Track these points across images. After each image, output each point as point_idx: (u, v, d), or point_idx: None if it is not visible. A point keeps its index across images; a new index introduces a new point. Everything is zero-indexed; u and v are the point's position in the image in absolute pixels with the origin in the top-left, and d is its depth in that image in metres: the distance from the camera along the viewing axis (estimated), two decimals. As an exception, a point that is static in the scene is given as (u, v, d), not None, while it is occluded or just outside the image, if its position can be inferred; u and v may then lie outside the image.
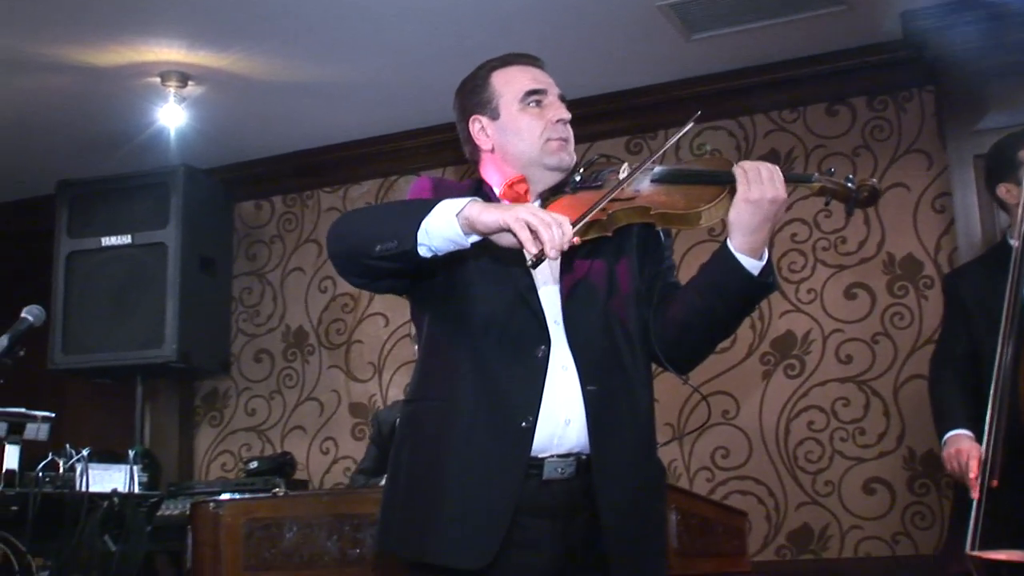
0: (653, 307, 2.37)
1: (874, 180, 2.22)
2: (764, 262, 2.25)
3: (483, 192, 2.42)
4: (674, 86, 5.11)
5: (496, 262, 2.27)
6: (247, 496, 3.72)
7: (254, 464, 4.89)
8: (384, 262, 2.18)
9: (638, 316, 2.35)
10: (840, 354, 4.82)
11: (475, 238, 2.11)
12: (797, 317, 4.92)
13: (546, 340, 2.23)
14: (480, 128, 2.43)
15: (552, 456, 2.22)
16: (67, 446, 4.17)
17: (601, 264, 2.33)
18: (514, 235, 2.04)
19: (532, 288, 2.28)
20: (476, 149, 2.46)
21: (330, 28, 4.50)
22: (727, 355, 4.99)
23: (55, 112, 5.18)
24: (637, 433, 2.32)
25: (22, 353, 3.47)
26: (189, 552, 3.38)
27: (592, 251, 2.30)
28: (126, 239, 5.37)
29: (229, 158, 5.81)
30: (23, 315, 3.55)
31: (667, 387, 5.01)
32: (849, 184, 2.21)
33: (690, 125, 2.36)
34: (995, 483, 3.08)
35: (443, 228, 2.10)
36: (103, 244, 5.40)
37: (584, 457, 2.24)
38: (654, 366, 2.42)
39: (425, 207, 2.13)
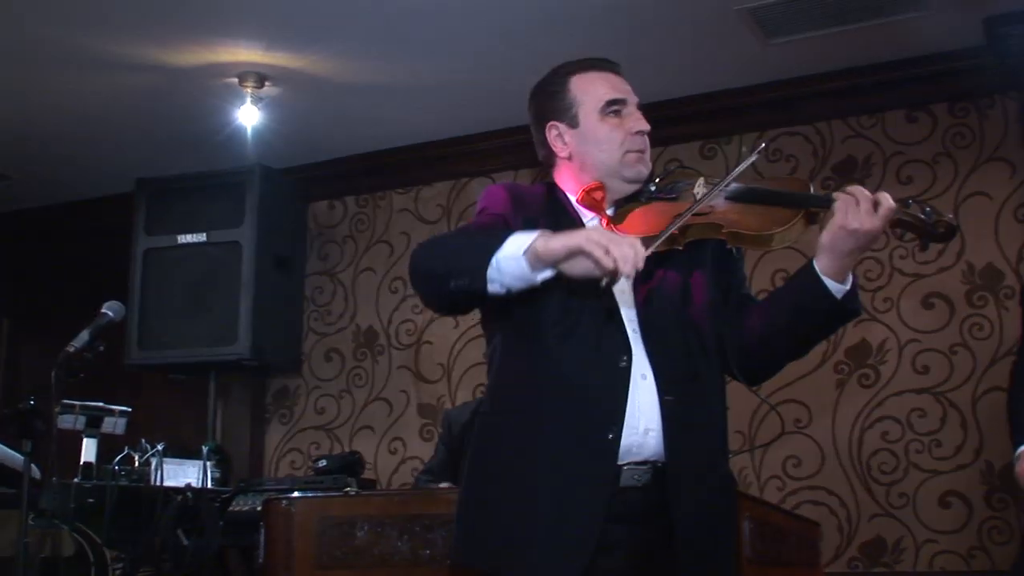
0: (729, 318, 2.35)
1: (951, 216, 2.18)
2: (848, 287, 2.24)
3: (556, 197, 2.41)
4: (750, 91, 5.07)
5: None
6: (320, 494, 3.74)
7: (323, 462, 4.91)
8: (461, 297, 2.16)
9: (712, 326, 2.33)
10: (916, 364, 4.74)
11: (546, 274, 2.09)
12: (872, 326, 4.84)
13: (627, 349, 2.22)
14: (557, 135, 2.42)
15: (629, 464, 2.21)
16: (143, 440, 4.25)
17: (675, 275, 2.32)
18: (587, 255, 2.01)
19: (611, 296, 2.25)
20: (552, 155, 2.44)
21: (404, 29, 4.53)
22: (800, 364, 4.85)
23: (134, 111, 5.26)
24: (711, 443, 2.31)
25: (102, 348, 3.53)
26: (261, 548, 3.41)
27: (664, 262, 2.29)
28: (202, 237, 5.44)
29: (303, 158, 5.86)
30: (103, 310, 3.62)
31: (739, 395, 4.95)
32: (924, 218, 2.17)
33: (754, 157, 2.34)
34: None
35: (512, 267, 2.08)
36: (179, 242, 5.48)
37: (660, 465, 2.23)
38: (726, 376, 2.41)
39: (496, 242, 2.10)
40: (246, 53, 4.74)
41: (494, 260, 2.08)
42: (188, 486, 4.17)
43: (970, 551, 4.53)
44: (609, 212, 2.39)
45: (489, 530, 2.24)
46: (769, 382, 5.09)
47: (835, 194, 2.22)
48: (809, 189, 2.32)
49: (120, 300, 3.74)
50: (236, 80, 4.93)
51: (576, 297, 2.23)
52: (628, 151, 2.37)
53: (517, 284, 2.10)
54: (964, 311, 4.70)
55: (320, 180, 6.02)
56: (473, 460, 2.35)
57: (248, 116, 5.04)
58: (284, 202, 5.66)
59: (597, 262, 2.01)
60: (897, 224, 2.21)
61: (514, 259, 2.07)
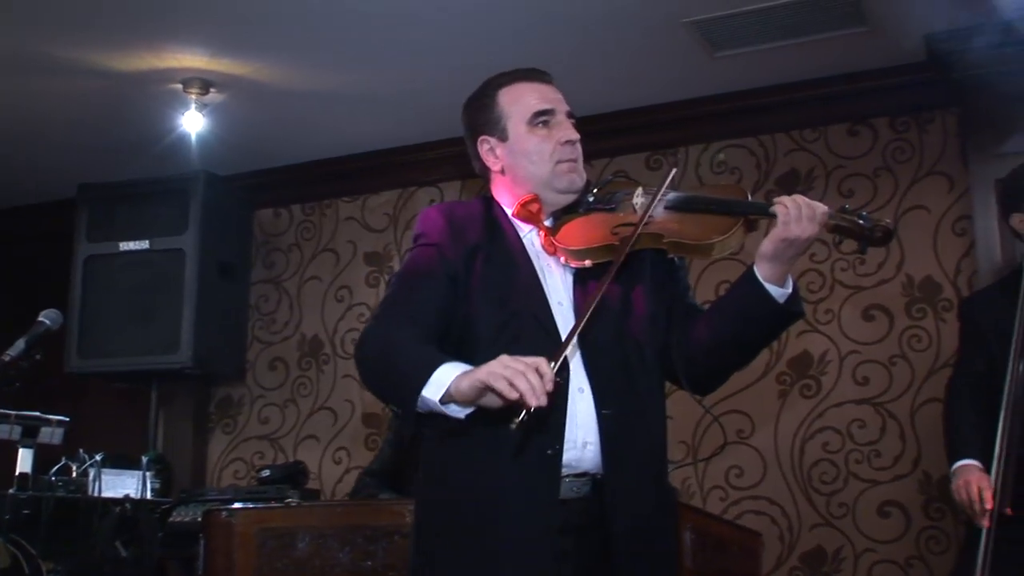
0: (674, 329, 2.36)
1: (888, 221, 2.21)
2: (790, 290, 2.27)
3: (493, 212, 2.41)
4: (696, 103, 5.10)
5: (505, 291, 2.27)
6: (260, 505, 3.70)
7: (266, 472, 4.86)
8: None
9: (654, 339, 2.34)
10: (857, 376, 4.79)
11: (469, 410, 2.09)
12: (814, 337, 4.89)
13: (564, 364, 2.20)
14: (489, 149, 2.44)
15: (569, 476, 2.22)
16: (80, 451, 4.18)
17: (615, 287, 2.31)
18: (492, 391, 2.00)
19: (545, 310, 2.27)
20: (486, 169, 2.46)
21: (352, 38, 4.50)
22: (743, 375, 4.92)
23: (77, 116, 5.19)
24: (649, 455, 2.32)
25: (38, 357, 3.47)
26: (201, 560, 3.37)
27: (605, 275, 2.28)
28: (145, 244, 5.38)
29: (249, 165, 5.82)
30: (40, 319, 3.56)
31: (682, 407, 4.98)
32: (862, 222, 2.20)
33: (671, 175, 2.36)
34: (1010, 511, 3.06)
35: (433, 408, 2.10)
36: (122, 249, 5.40)
37: (599, 477, 2.24)
38: (669, 387, 2.41)
39: (416, 382, 2.09)
40: (191, 59, 4.69)
41: (421, 401, 2.09)
42: (127, 497, 4.11)
43: (908, 560, 4.58)
44: (547, 224, 2.39)
45: (449, 555, 2.24)
46: (714, 393, 5.14)
47: (775, 200, 2.24)
48: (747, 196, 2.35)
49: (60, 308, 3.69)
50: (181, 86, 4.87)
51: (514, 293, 2.25)
52: (559, 161, 2.37)
53: (444, 415, 2.12)
54: (903, 323, 4.75)
55: (266, 187, 5.97)
56: (424, 486, 2.36)
57: (193, 122, 4.99)
58: (229, 209, 5.61)
59: (501, 397, 1.98)
60: (835, 230, 2.23)
61: (432, 402, 2.09)
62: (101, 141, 5.45)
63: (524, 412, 1.95)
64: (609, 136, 5.18)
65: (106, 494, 4.12)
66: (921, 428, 4.63)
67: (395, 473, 3.96)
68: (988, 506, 3.07)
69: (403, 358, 2.19)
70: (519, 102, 2.41)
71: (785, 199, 2.23)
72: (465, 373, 2.06)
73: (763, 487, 4.86)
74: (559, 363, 2.05)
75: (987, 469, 3.15)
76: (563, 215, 2.39)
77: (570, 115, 2.44)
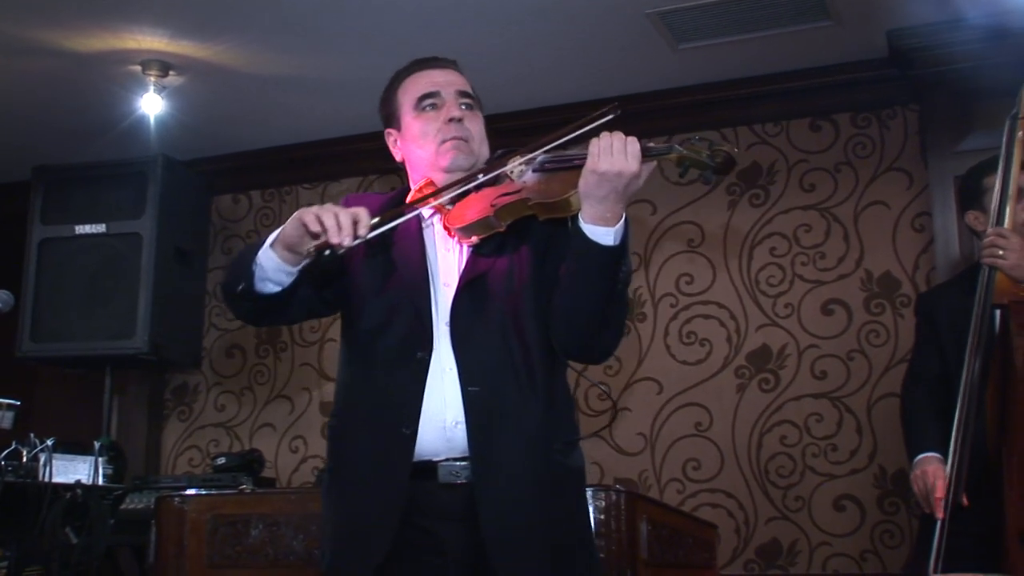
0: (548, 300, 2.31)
1: (728, 147, 2.18)
2: (616, 227, 2.17)
3: (402, 200, 2.43)
4: (659, 95, 5.11)
5: (385, 269, 2.31)
6: (213, 492, 3.68)
7: (221, 460, 4.83)
8: (250, 301, 2.26)
9: (536, 312, 2.29)
10: (815, 370, 4.82)
11: (293, 268, 2.21)
12: (773, 331, 4.92)
13: (427, 343, 2.24)
14: (393, 140, 2.49)
15: (446, 459, 2.22)
16: (31, 435, 4.13)
17: (504, 262, 2.31)
18: (303, 226, 2.12)
19: (423, 292, 2.28)
20: (397, 161, 2.51)
21: (316, 22, 4.47)
22: (701, 367, 4.99)
23: (33, 97, 5.12)
24: (528, 433, 2.24)
25: (-11, 339, 3.43)
26: (152, 547, 3.34)
27: (496, 249, 2.30)
28: (101, 228, 5.30)
29: (208, 150, 5.77)
30: (-9, 300, 3.51)
31: (641, 397, 5.03)
32: (703, 149, 2.17)
33: (602, 121, 2.27)
34: (966, 502, 3.09)
35: (268, 260, 2.20)
36: (77, 232, 5.32)
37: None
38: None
39: (257, 246, 2.22)
40: (150, 40, 4.63)
41: (256, 258, 2.20)
42: (78, 483, 4.06)
43: (862, 554, 4.62)
44: (448, 207, 2.38)
45: (326, 536, 2.34)
46: (672, 384, 5.18)
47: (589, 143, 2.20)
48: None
49: (13, 291, 3.64)
50: (139, 68, 4.82)
51: (392, 271, 2.30)
52: (443, 140, 2.38)
53: (280, 276, 2.21)
54: (862, 318, 4.79)
55: (224, 173, 5.92)
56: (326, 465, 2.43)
57: (151, 105, 4.93)
58: (187, 194, 5.54)
59: (307, 228, 2.11)
60: (680, 162, 2.18)
61: (264, 252, 2.19)
62: (58, 122, 5.39)
63: (326, 249, 2.10)
64: (571, 127, 5.17)
65: (57, 480, 4.08)
66: (878, 423, 4.67)
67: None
68: (939, 495, 3.09)
69: (248, 247, 2.35)
70: (409, 90, 2.46)
71: (602, 134, 2.17)
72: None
73: (720, 480, 4.89)
74: (377, 228, 2.19)
75: (946, 461, 3.18)
76: (459, 196, 2.37)
77: (464, 95, 2.44)
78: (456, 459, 2.22)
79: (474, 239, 2.29)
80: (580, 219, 2.18)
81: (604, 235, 2.17)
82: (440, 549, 2.21)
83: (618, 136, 2.15)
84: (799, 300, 4.90)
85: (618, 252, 2.19)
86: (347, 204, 2.34)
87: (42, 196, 5.43)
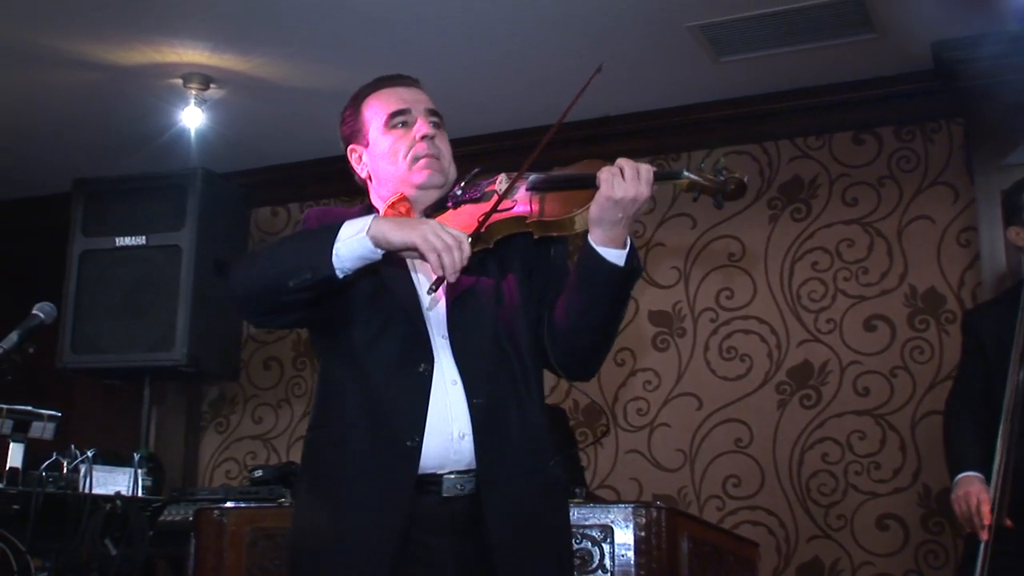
0: (545, 315, 2.38)
1: (739, 174, 2.22)
2: (627, 249, 2.26)
3: None
4: (700, 108, 5.10)
5: (378, 281, 2.31)
6: (252, 504, 3.69)
7: (259, 472, 4.85)
8: (299, 295, 2.21)
9: (528, 326, 2.37)
10: (858, 386, 4.78)
11: (382, 251, 2.17)
12: (815, 347, 4.89)
13: (428, 355, 2.25)
14: (357, 157, 2.50)
15: (450, 472, 2.23)
16: (72, 446, 4.15)
17: (488, 277, 2.35)
18: (421, 255, 2.12)
19: (416, 304, 2.30)
20: (360, 179, 2.52)
21: (355, 36, 4.50)
22: (742, 382, 4.96)
23: (75, 109, 5.18)
24: (528, 444, 2.30)
25: (31, 350, 3.45)
26: (192, 559, 3.35)
27: (478, 265, 2.31)
28: (141, 240, 5.35)
29: (248, 163, 5.81)
30: (34, 312, 3.54)
31: (681, 412, 5.01)
32: (714, 177, 2.22)
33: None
34: (1009, 524, 3.05)
35: (355, 247, 2.15)
36: (117, 244, 5.37)
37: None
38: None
39: (329, 233, 2.17)
40: (192, 54, 4.68)
41: (335, 247, 2.15)
42: (117, 494, 4.09)
43: (906, 574, 4.57)
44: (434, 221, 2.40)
45: (313, 547, 2.27)
46: (712, 400, 5.15)
47: (598, 172, 2.25)
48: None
49: (55, 302, 3.67)
50: (180, 81, 4.87)
51: (384, 283, 2.30)
52: (416, 158, 2.41)
53: (355, 265, 2.18)
54: (906, 334, 4.75)
55: (263, 185, 5.96)
56: (298, 479, 2.43)
57: (192, 118, 4.98)
58: (226, 207, 5.59)
59: (431, 264, 2.12)
60: (692, 187, 2.24)
61: (356, 240, 2.15)
62: (99, 135, 5.45)
63: (439, 284, 2.15)
64: (610, 141, 5.18)
65: (97, 491, 4.10)
66: (922, 440, 4.62)
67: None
68: (987, 520, 3.06)
69: (296, 237, 2.34)
70: (378, 107, 2.49)
71: (617, 162, 2.25)
72: (396, 221, 2.18)
73: (761, 497, 4.85)
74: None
75: (988, 481, 3.15)
76: (433, 213, 2.41)
77: (433, 113, 2.49)
78: (461, 472, 2.23)
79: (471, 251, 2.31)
80: (591, 242, 2.25)
81: (617, 257, 2.25)
82: (429, 561, 2.21)
83: (629, 163, 2.23)
84: (841, 316, 4.87)
85: (635, 273, 2.28)
86: (309, 218, 2.43)
87: (83, 208, 5.49)
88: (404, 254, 2.18)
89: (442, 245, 2.10)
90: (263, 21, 4.41)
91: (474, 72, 4.68)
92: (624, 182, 2.19)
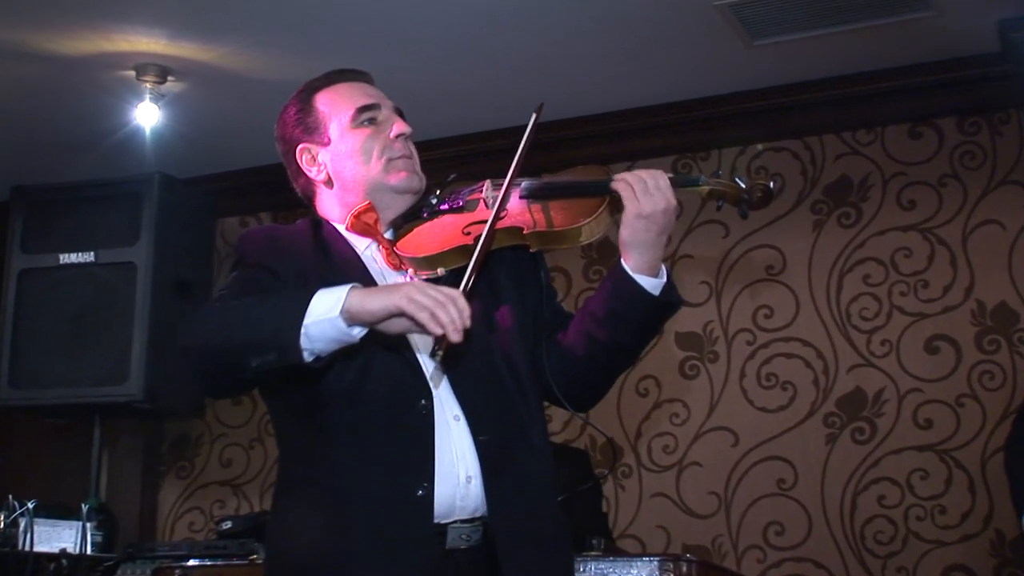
0: (544, 340, 2.41)
1: (765, 180, 2.29)
2: (664, 279, 2.32)
3: (322, 233, 2.43)
4: (731, 99, 5.11)
5: (363, 366, 2.27)
6: (220, 562, 3.68)
7: (227, 524, 4.85)
8: (262, 376, 2.16)
9: (524, 351, 2.39)
10: (918, 418, 4.77)
11: (362, 331, 2.09)
12: (868, 372, 4.87)
13: (424, 389, 2.24)
14: (310, 158, 2.50)
15: (456, 521, 2.22)
16: (10, 497, 4.15)
17: (474, 301, 2.29)
18: (409, 319, 2.04)
19: (402, 337, 2.24)
20: (310, 183, 2.51)
21: (334, 22, 4.50)
22: (784, 415, 4.95)
23: (11, 107, 5.19)
24: (539, 484, 2.33)
25: (-38, 386, 3.46)
26: (149, 627, 3.35)
27: (467, 274, 2.30)
28: (89, 256, 5.36)
29: (212, 167, 5.81)
30: (-36, 342, 3.55)
31: (714, 449, 4.99)
32: (740, 184, 2.29)
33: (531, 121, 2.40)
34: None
35: (326, 330, 2.07)
36: (62, 261, 5.38)
37: (487, 519, 2.23)
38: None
39: (298, 306, 2.08)
40: (146, 42, 4.68)
41: (303, 328, 2.06)
42: (63, 552, 4.08)
43: (978, 635, 4.55)
44: (387, 235, 2.43)
45: None
46: (750, 436, 5.16)
47: (615, 177, 2.31)
48: (608, 175, 2.39)
49: (-12, 329, 3.67)
50: (134, 73, 4.87)
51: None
52: (391, 159, 2.43)
53: (331, 348, 2.10)
54: (973, 357, 4.74)
55: (230, 192, 5.96)
56: (268, 559, 2.36)
57: (147, 116, 4.98)
58: (188, 217, 5.60)
59: (423, 327, 2.04)
60: (711, 195, 2.32)
61: (327, 321, 2.06)
62: (39, 137, 5.46)
63: (442, 345, 2.09)
64: (631, 136, 5.19)
65: (39, 548, 4.10)
66: (993, 480, 4.60)
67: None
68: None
69: (261, 302, 2.21)
70: (340, 102, 2.49)
71: (624, 175, 2.29)
72: (369, 291, 2.10)
73: (808, 547, 4.84)
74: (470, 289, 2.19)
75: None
76: (404, 224, 2.43)
77: (399, 111, 2.52)
78: (466, 520, 2.22)
79: (439, 271, 2.32)
80: (627, 268, 2.30)
81: (654, 286, 2.30)
82: None
83: (645, 173, 2.28)
84: (898, 336, 4.86)
85: (674, 307, 2.35)
86: (247, 250, 2.38)
87: (22, 221, 5.50)
88: (394, 329, 2.09)
89: (432, 302, 2.03)
90: (229, 5, 4.41)
91: (468, 62, 4.68)
92: (649, 194, 2.23)
